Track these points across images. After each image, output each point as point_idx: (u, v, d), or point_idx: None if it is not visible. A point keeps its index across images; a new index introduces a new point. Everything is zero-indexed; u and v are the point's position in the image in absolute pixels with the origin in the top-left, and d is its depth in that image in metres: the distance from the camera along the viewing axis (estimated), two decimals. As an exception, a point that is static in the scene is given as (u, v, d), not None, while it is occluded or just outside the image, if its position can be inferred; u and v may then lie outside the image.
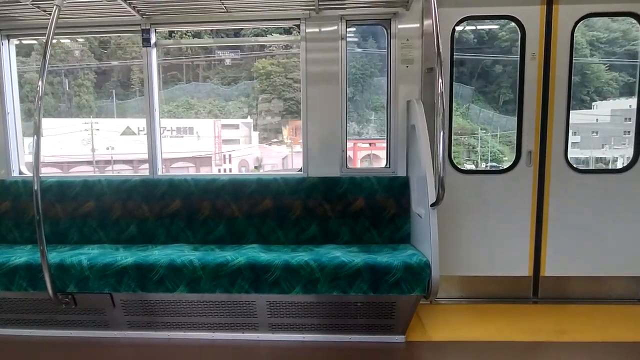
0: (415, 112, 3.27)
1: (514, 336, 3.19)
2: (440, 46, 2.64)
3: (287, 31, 4.33)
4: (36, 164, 2.73)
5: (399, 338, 3.11)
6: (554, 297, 3.79)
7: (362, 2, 3.50)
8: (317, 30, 3.68)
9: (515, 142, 3.75)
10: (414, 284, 2.86)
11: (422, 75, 3.64)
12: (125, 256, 3.05)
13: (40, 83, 2.72)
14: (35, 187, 2.73)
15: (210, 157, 18.53)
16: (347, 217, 3.58)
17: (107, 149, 16.68)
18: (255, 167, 18.79)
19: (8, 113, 3.91)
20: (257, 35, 4.73)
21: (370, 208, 3.57)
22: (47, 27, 2.72)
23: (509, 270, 3.79)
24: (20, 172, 3.98)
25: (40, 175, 2.78)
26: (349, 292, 2.91)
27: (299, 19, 3.66)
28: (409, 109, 3.57)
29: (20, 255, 3.10)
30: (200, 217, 3.64)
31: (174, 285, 2.97)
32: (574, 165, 3.68)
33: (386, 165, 3.84)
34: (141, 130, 15.82)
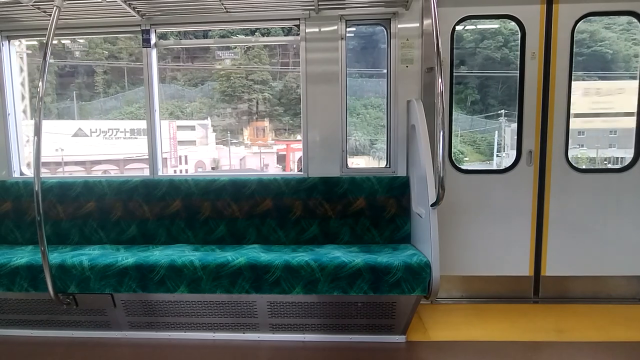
0: (415, 111, 3.27)
1: (515, 336, 3.19)
2: (440, 46, 2.64)
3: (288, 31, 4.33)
4: (37, 165, 2.74)
5: (399, 338, 3.11)
6: (555, 296, 3.79)
7: (361, 2, 3.50)
8: (316, 30, 3.68)
9: (516, 142, 3.75)
10: (415, 284, 2.86)
11: (422, 74, 3.64)
12: (126, 257, 3.05)
13: (40, 84, 2.73)
14: (36, 188, 2.74)
15: (166, 158, 19.00)
16: (347, 217, 3.59)
17: (56, 150, 16.83)
18: (212, 168, 19.15)
19: (9, 114, 3.91)
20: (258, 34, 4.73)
21: (371, 208, 3.58)
22: (47, 28, 2.73)
23: (509, 270, 3.79)
24: (21, 173, 3.99)
25: (41, 176, 2.79)
26: (349, 292, 2.91)
27: (298, 19, 3.66)
28: (409, 109, 3.56)
29: (22, 256, 3.11)
30: (201, 217, 3.64)
31: (174, 285, 2.97)
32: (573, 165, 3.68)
33: (386, 165, 3.84)
34: (94, 132, 16.10)
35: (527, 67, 3.62)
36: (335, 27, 3.65)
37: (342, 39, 3.65)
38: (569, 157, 3.69)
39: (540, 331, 3.25)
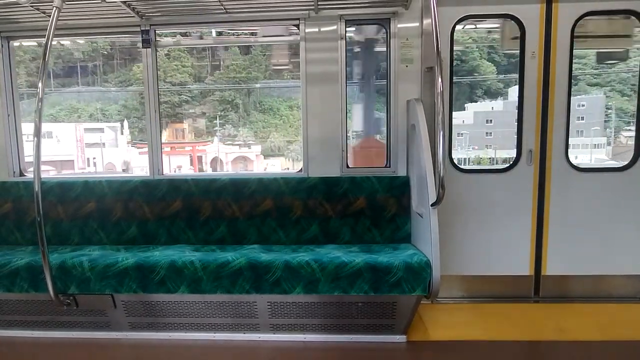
0: (415, 111, 3.27)
1: (516, 335, 3.19)
2: (440, 45, 2.64)
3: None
4: (37, 166, 2.74)
5: (400, 338, 3.11)
6: (555, 296, 3.79)
7: (361, 1, 3.50)
8: (316, 30, 3.68)
9: (516, 141, 3.75)
10: (415, 284, 2.86)
11: (422, 74, 3.64)
12: (126, 257, 3.05)
13: (40, 85, 2.73)
14: (37, 189, 2.74)
15: (72, 160, 19.17)
16: (347, 217, 3.58)
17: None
18: (123, 170, 19.51)
19: (8, 115, 3.91)
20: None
21: (371, 208, 3.57)
22: (46, 29, 2.72)
23: (510, 270, 3.79)
24: (21, 174, 3.99)
25: (42, 176, 2.79)
26: (350, 292, 2.91)
27: (298, 19, 3.66)
28: (409, 109, 3.56)
29: (22, 257, 3.11)
30: (201, 217, 3.64)
31: (175, 286, 2.97)
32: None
33: (386, 164, 3.84)
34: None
35: (526, 66, 3.62)
36: (335, 27, 3.65)
37: (341, 38, 3.65)
38: (569, 156, 3.69)
39: (541, 331, 3.25)
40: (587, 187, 3.68)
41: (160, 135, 3.95)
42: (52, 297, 2.92)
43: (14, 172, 3.96)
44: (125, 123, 21.90)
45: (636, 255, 3.71)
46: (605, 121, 19.59)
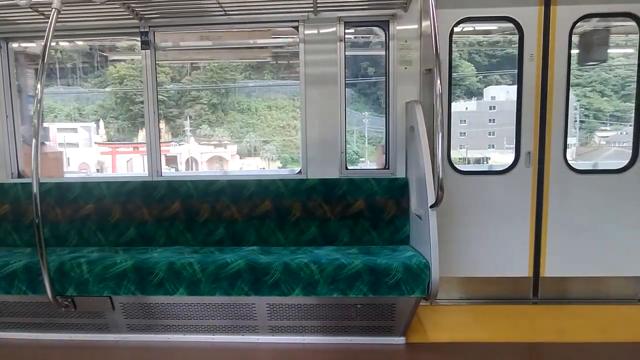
0: (414, 113, 3.28)
1: (515, 337, 3.19)
2: (439, 47, 2.64)
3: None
4: (35, 167, 2.73)
5: (399, 340, 3.11)
6: (554, 297, 3.79)
7: (360, 3, 3.50)
8: (315, 32, 3.68)
9: (515, 143, 3.76)
10: (414, 286, 2.86)
11: (421, 76, 3.64)
12: (124, 259, 3.04)
13: (38, 86, 2.73)
14: (35, 190, 2.73)
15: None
16: (346, 219, 3.58)
17: None
18: (97, 170, 19.59)
19: (7, 116, 3.91)
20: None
21: (370, 209, 3.58)
22: (45, 31, 2.72)
23: (508, 271, 3.79)
24: (20, 175, 3.98)
25: (40, 178, 2.78)
26: (348, 293, 2.90)
27: (297, 20, 3.66)
28: (408, 110, 3.57)
29: (20, 259, 3.10)
30: (200, 219, 3.64)
31: (173, 288, 2.96)
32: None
33: (385, 166, 3.84)
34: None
35: (525, 68, 3.63)
36: (334, 29, 3.66)
37: (340, 40, 3.66)
38: (567, 158, 3.70)
39: (540, 332, 3.25)
40: (586, 188, 3.69)
41: (159, 136, 3.94)
42: (50, 299, 2.91)
43: (12, 174, 3.95)
44: (101, 123, 21.96)
45: (634, 257, 3.72)
46: (581, 121, 19.78)
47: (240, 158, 21.93)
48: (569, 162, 3.68)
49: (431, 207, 2.87)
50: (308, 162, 3.77)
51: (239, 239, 3.60)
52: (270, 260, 2.98)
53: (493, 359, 2.98)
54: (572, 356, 2.97)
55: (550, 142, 3.67)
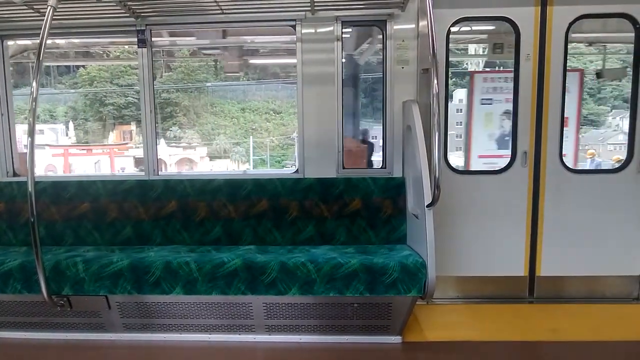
0: (411, 112, 3.28)
1: (511, 336, 3.20)
2: (436, 47, 2.65)
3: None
4: (31, 166, 2.72)
5: (395, 339, 3.11)
6: (550, 296, 3.81)
7: (357, 3, 3.50)
8: (312, 31, 3.68)
9: (511, 143, 3.77)
10: (411, 285, 2.87)
11: (418, 76, 3.65)
12: (120, 258, 3.03)
13: (34, 84, 2.71)
14: (30, 189, 2.71)
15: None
16: (343, 218, 3.59)
17: None
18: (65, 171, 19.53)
19: (2, 114, 3.88)
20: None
21: (367, 209, 3.58)
22: (41, 29, 2.70)
23: (505, 270, 3.81)
24: (15, 174, 3.96)
25: (35, 176, 2.76)
26: (345, 293, 2.91)
27: (294, 19, 3.66)
28: (405, 110, 3.57)
29: (15, 258, 3.08)
30: (197, 218, 3.63)
31: (170, 287, 2.96)
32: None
33: (382, 166, 3.84)
34: None
35: (521, 68, 3.64)
36: (331, 28, 3.65)
37: (338, 40, 3.66)
38: (563, 158, 3.72)
39: (536, 331, 3.27)
40: (581, 188, 3.71)
41: (157, 137, 3.92)
42: (45, 298, 2.90)
43: (7, 172, 3.92)
44: (71, 124, 21.90)
45: (629, 256, 3.74)
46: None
47: (210, 160, 21.99)
48: (565, 161, 3.70)
49: (428, 206, 2.88)
50: (305, 162, 3.77)
51: (236, 238, 3.60)
52: (267, 259, 2.98)
53: (489, 357, 2.99)
54: (568, 355, 2.99)
55: (546, 141, 3.68)
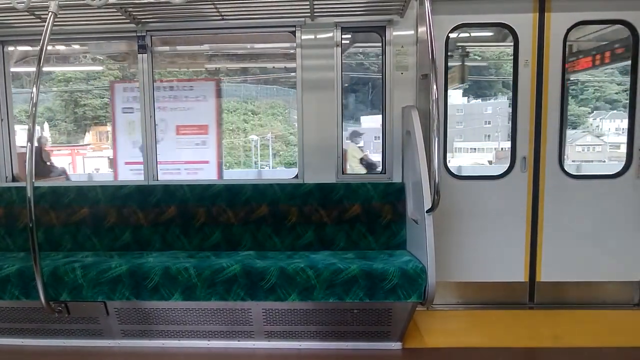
0: (410, 118, 3.29)
1: (511, 342, 3.19)
2: (435, 53, 2.66)
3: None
4: (30, 171, 2.71)
5: (395, 345, 3.09)
6: (550, 302, 3.80)
7: (357, 9, 3.52)
8: (312, 37, 3.70)
9: (510, 148, 3.78)
10: (411, 290, 2.86)
11: (417, 81, 3.66)
12: (119, 263, 3.02)
13: (34, 90, 2.72)
14: (29, 194, 2.71)
15: None
16: (343, 224, 3.58)
17: None
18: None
19: (1, 119, 3.88)
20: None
21: (367, 214, 3.57)
22: (42, 35, 2.71)
23: (505, 276, 3.79)
24: (14, 179, 3.95)
25: (34, 182, 2.76)
26: (345, 298, 2.89)
27: (294, 25, 3.68)
28: (404, 115, 3.58)
29: (13, 263, 3.07)
30: (196, 223, 3.62)
31: (169, 293, 2.94)
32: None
33: (382, 171, 3.85)
34: None
35: (520, 74, 3.66)
36: (331, 34, 3.67)
37: (337, 45, 3.67)
38: (563, 163, 3.72)
39: (536, 337, 3.25)
40: (581, 193, 3.71)
41: (156, 140, 3.92)
42: (43, 304, 2.88)
43: (6, 178, 3.92)
44: (46, 125, 21.92)
45: (630, 262, 3.73)
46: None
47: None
48: (565, 167, 3.71)
49: (428, 211, 2.88)
50: (305, 167, 3.77)
51: (235, 244, 3.59)
52: (266, 265, 2.97)
53: None
54: None
55: (546, 147, 3.69)
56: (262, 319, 3.06)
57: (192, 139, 4.38)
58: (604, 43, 4.36)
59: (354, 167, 6.90)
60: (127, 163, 4.62)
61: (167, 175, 4.20)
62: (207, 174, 4.37)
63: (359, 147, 7.58)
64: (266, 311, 3.04)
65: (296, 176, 3.83)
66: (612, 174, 3.75)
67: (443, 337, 3.26)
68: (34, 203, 2.74)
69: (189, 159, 4.39)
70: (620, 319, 3.55)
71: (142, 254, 3.46)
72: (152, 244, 3.61)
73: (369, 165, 7.32)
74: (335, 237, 3.57)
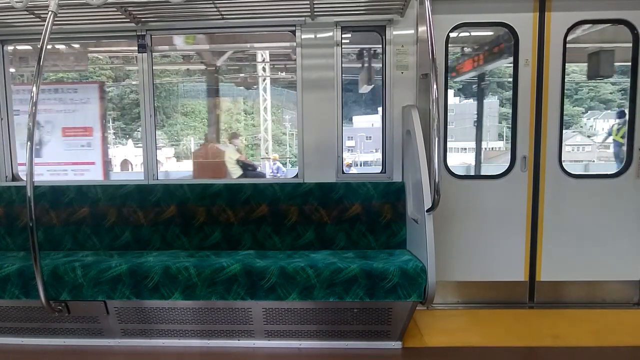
0: (411, 117, 3.29)
1: (511, 341, 3.19)
2: (435, 52, 2.66)
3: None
4: (30, 170, 2.71)
5: (395, 344, 3.10)
6: (550, 301, 3.80)
7: (357, 8, 3.52)
8: (312, 36, 3.70)
9: (510, 148, 3.78)
10: (410, 290, 2.86)
11: (417, 81, 3.66)
12: (119, 263, 3.02)
13: (34, 89, 2.71)
14: (29, 194, 2.71)
15: None
16: (343, 223, 3.58)
17: None
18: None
19: (1, 119, 3.88)
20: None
21: (367, 214, 3.58)
22: (41, 34, 2.71)
23: (505, 276, 3.80)
24: (14, 178, 3.95)
25: (34, 181, 2.76)
26: (345, 298, 2.90)
27: (294, 25, 3.68)
28: (404, 115, 3.58)
29: (13, 263, 3.07)
30: (196, 223, 3.62)
31: (169, 292, 2.94)
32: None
33: (382, 170, 3.85)
34: None
35: (520, 73, 3.66)
36: (331, 34, 3.67)
37: (337, 45, 3.67)
38: (562, 163, 3.72)
39: (536, 336, 3.26)
40: (581, 193, 3.71)
41: (155, 140, 3.92)
42: (43, 303, 2.88)
43: (7, 177, 3.92)
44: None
45: (630, 261, 3.74)
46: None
47: (177, 161, 22.07)
48: (564, 166, 3.71)
49: (428, 211, 2.88)
50: (305, 166, 3.77)
51: (235, 243, 3.59)
52: (266, 264, 2.97)
53: None
54: None
55: (546, 146, 3.69)
56: (262, 318, 3.06)
57: (77, 141, 4.39)
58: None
59: (230, 170, 6.97)
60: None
61: (54, 176, 4.30)
62: (93, 175, 4.40)
63: (235, 149, 7.56)
64: (266, 310, 3.04)
65: (296, 176, 3.83)
66: (612, 174, 3.75)
67: (443, 337, 3.26)
68: (34, 202, 2.74)
69: (74, 160, 4.41)
70: (620, 318, 3.55)
71: (142, 253, 3.46)
72: (152, 243, 3.61)
73: (245, 167, 7.40)
74: (335, 236, 3.57)
